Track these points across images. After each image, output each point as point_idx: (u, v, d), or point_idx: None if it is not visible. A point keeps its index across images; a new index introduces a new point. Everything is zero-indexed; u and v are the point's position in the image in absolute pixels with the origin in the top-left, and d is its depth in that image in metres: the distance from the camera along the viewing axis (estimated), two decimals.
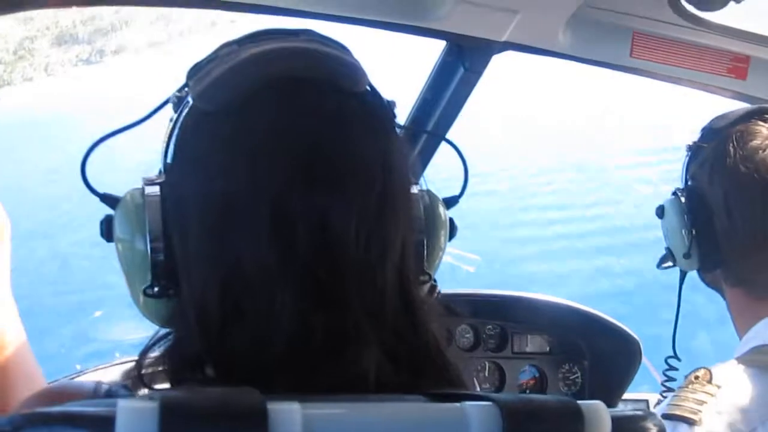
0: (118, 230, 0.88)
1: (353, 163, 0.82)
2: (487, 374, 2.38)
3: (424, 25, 1.67)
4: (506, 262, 7.90)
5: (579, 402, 0.78)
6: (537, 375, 2.40)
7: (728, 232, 1.49)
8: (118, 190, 0.91)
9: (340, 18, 1.64)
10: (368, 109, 0.87)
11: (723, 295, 1.60)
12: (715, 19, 1.73)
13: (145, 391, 0.85)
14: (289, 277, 0.79)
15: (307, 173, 0.80)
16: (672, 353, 1.77)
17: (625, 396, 2.42)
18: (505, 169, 10.84)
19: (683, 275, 1.66)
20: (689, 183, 1.57)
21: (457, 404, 0.77)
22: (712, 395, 1.37)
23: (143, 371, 0.87)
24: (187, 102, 0.87)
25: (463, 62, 1.83)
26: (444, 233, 0.99)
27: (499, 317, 2.38)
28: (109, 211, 0.90)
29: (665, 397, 1.66)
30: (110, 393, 0.89)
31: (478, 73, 1.85)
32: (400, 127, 0.92)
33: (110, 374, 1.84)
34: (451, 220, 1.00)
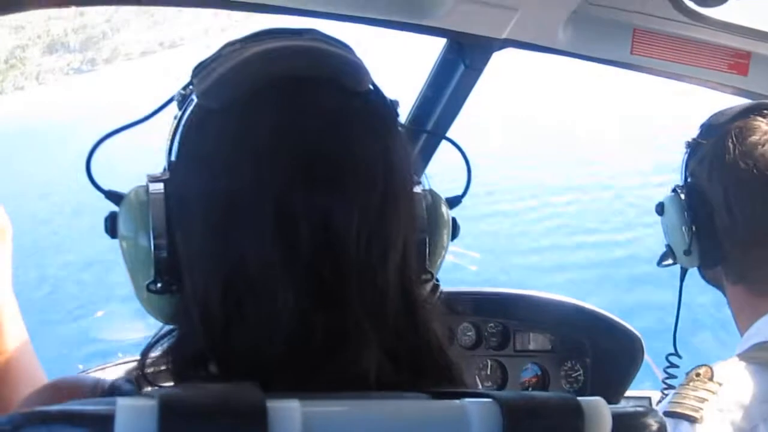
0: (122, 227, 0.89)
1: (355, 162, 0.83)
2: (489, 372, 2.38)
3: (425, 23, 1.67)
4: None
5: (579, 399, 0.78)
6: (539, 373, 2.40)
7: (728, 229, 1.48)
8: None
9: (341, 16, 1.64)
10: (371, 109, 0.87)
11: (724, 293, 1.59)
12: (715, 15, 1.73)
13: (149, 388, 0.85)
14: (292, 276, 0.79)
15: (309, 172, 0.80)
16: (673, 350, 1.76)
17: (628, 393, 2.42)
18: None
19: (684, 273, 1.65)
20: (689, 180, 1.57)
21: (458, 402, 0.77)
22: (713, 393, 1.37)
23: (147, 370, 0.87)
24: (192, 100, 0.87)
25: (464, 60, 1.82)
26: (446, 233, 0.99)
27: (501, 315, 2.38)
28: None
29: (667, 395, 1.66)
30: (114, 386, 0.89)
31: (479, 71, 1.84)
32: (401, 126, 0.92)
33: (113, 373, 1.84)
34: (453, 219, 1.01)
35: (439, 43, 1.87)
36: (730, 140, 1.47)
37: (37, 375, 1.34)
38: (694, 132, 1.58)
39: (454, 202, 1.03)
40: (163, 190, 0.86)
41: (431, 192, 0.98)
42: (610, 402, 0.80)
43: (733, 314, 1.58)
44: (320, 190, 0.80)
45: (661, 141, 10.59)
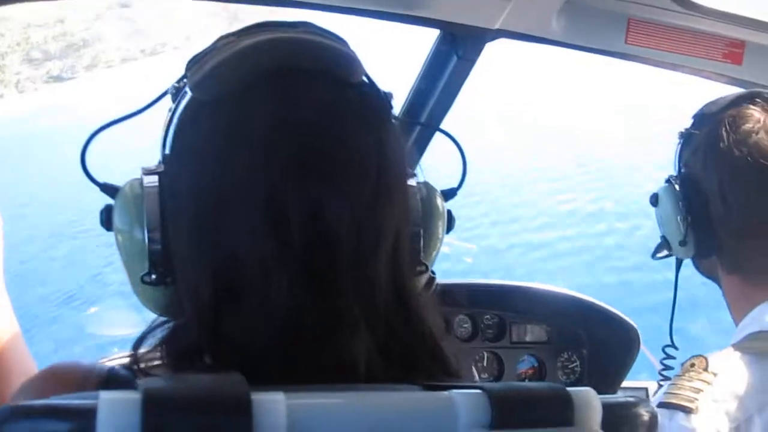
0: (117, 220, 0.90)
1: (348, 154, 0.83)
2: (485, 364, 2.38)
3: (417, 13, 1.66)
4: None
5: (569, 389, 0.78)
6: (536, 364, 2.39)
7: (723, 218, 1.48)
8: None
9: (334, 8, 1.64)
10: (364, 101, 0.87)
11: (719, 283, 1.59)
12: (710, 4, 1.72)
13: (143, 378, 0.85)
14: (283, 268, 0.80)
15: (301, 164, 0.80)
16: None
17: (624, 384, 2.42)
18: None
19: (679, 264, 1.65)
20: (682, 170, 1.56)
21: (446, 393, 0.77)
22: (708, 383, 1.37)
23: (143, 365, 0.88)
24: (185, 92, 0.88)
25: (457, 51, 1.82)
26: (441, 225, 0.99)
27: (497, 307, 2.38)
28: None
29: (663, 386, 1.66)
30: (112, 372, 0.89)
31: (472, 62, 1.84)
32: (395, 118, 0.92)
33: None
34: (449, 211, 1.01)
35: (431, 35, 1.86)
36: (724, 129, 1.47)
37: (30, 369, 1.34)
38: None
39: (449, 194, 1.03)
40: (157, 183, 0.86)
41: (426, 184, 0.98)
42: (607, 393, 0.80)
43: (728, 304, 1.58)
44: (313, 182, 0.80)
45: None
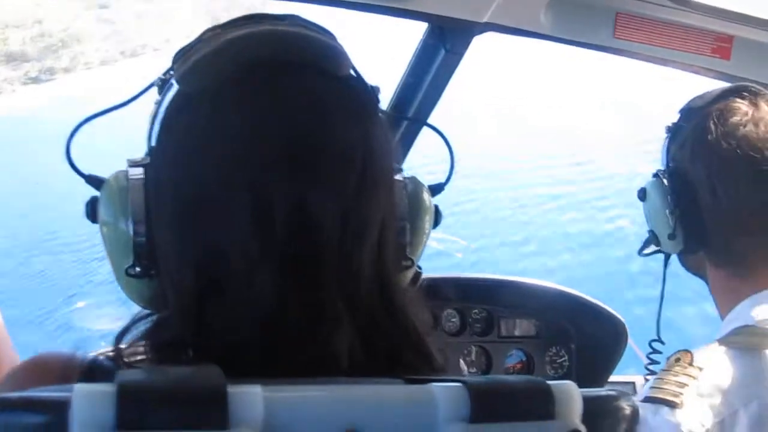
0: (102, 212, 0.89)
1: (333, 146, 0.83)
2: (473, 359, 2.37)
3: (405, 6, 1.66)
4: None
5: (550, 382, 0.78)
6: (524, 359, 2.39)
7: (712, 210, 1.48)
8: None
9: (322, 0, 1.63)
10: (350, 94, 0.87)
11: (705, 279, 1.59)
12: None
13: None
14: (267, 261, 0.80)
15: (286, 156, 0.80)
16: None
17: (612, 378, 2.42)
18: None
19: (667, 258, 1.65)
20: (670, 164, 1.56)
21: (426, 386, 0.77)
22: (693, 378, 1.37)
23: (129, 358, 0.87)
24: (171, 85, 0.88)
25: (444, 44, 1.81)
26: (428, 219, 0.99)
27: (486, 301, 2.37)
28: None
29: (649, 380, 1.66)
30: (95, 362, 0.89)
31: (460, 55, 1.83)
32: (383, 112, 0.92)
33: None
34: (436, 206, 1.01)
35: (420, 29, 1.86)
36: (712, 122, 1.47)
37: (13, 359, 1.33)
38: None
39: (436, 189, 1.03)
40: (143, 175, 0.86)
41: (413, 179, 0.98)
42: (594, 387, 0.80)
43: (714, 300, 1.59)
44: (297, 174, 0.80)
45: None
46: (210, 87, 0.83)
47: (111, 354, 0.88)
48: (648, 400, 1.38)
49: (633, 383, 2.47)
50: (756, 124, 1.44)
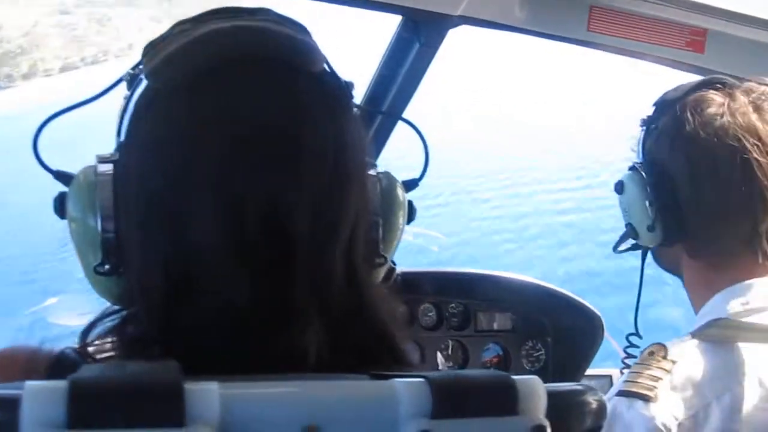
0: (70, 208, 0.88)
1: (304, 143, 0.82)
2: (450, 353, 2.37)
3: None
4: None
5: (515, 377, 0.78)
6: (501, 353, 2.39)
7: (692, 200, 1.47)
8: None
9: None
10: (323, 89, 0.86)
11: (680, 275, 1.59)
12: None
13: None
14: (237, 257, 0.79)
15: (255, 153, 0.80)
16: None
17: (589, 372, 2.43)
18: None
19: (645, 252, 1.64)
20: (647, 157, 1.56)
21: (389, 382, 0.76)
22: (667, 371, 1.37)
23: (98, 355, 0.87)
24: (140, 80, 0.87)
25: (419, 37, 1.81)
26: (402, 215, 0.98)
27: (462, 295, 2.37)
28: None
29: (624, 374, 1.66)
30: (62, 355, 0.88)
31: (434, 48, 1.83)
32: (357, 107, 0.92)
33: None
34: (410, 202, 1.00)
35: (393, 21, 1.85)
36: (689, 113, 1.46)
37: None
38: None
39: (410, 185, 1.02)
40: (111, 171, 0.85)
41: (386, 174, 0.97)
42: (571, 380, 0.79)
43: (688, 294, 1.58)
44: (268, 171, 0.80)
45: None
46: (180, 82, 0.82)
47: (78, 348, 0.87)
48: (622, 393, 1.38)
49: (610, 377, 2.48)
50: (733, 114, 1.44)
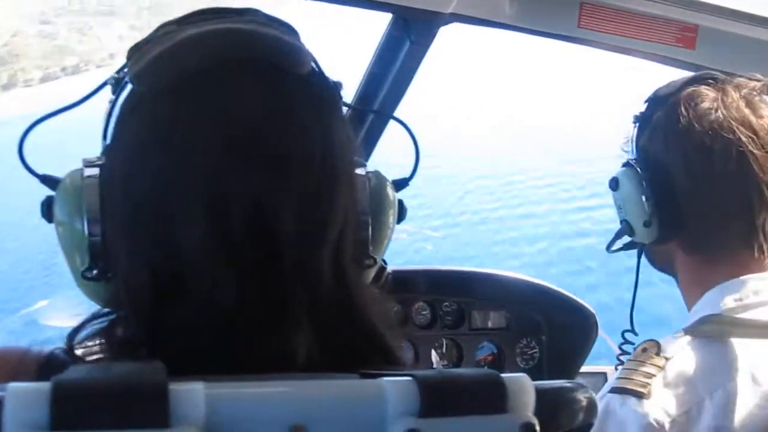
0: (57, 212, 0.88)
1: (291, 144, 0.81)
2: (444, 351, 2.38)
3: None
4: None
5: (503, 375, 0.77)
6: (495, 351, 2.40)
7: (688, 195, 1.47)
8: None
9: None
10: (311, 91, 0.86)
11: (674, 274, 1.59)
12: None
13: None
14: (224, 259, 0.79)
15: (241, 155, 0.79)
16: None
17: (583, 369, 2.43)
18: None
19: (641, 249, 1.64)
20: (642, 152, 1.55)
21: (377, 381, 0.76)
22: (660, 368, 1.37)
23: (87, 357, 0.86)
24: (126, 83, 0.86)
25: (410, 35, 1.80)
26: (392, 214, 0.98)
27: (456, 294, 2.38)
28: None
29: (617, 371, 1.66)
30: (52, 355, 0.88)
31: (425, 46, 1.83)
32: (347, 106, 0.91)
33: None
34: (400, 201, 1.00)
35: (384, 19, 1.84)
36: (682, 107, 1.46)
37: None
38: None
39: (400, 184, 1.02)
40: (98, 175, 0.85)
41: (376, 174, 0.97)
42: (566, 377, 0.79)
43: (682, 291, 1.58)
44: (254, 173, 0.79)
45: None
46: (164, 85, 0.82)
47: (68, 349, 0.87)
48: (615, 390, 1.38)
49: (605, 374, 2.48)
50: (727, 108, 1.44)
